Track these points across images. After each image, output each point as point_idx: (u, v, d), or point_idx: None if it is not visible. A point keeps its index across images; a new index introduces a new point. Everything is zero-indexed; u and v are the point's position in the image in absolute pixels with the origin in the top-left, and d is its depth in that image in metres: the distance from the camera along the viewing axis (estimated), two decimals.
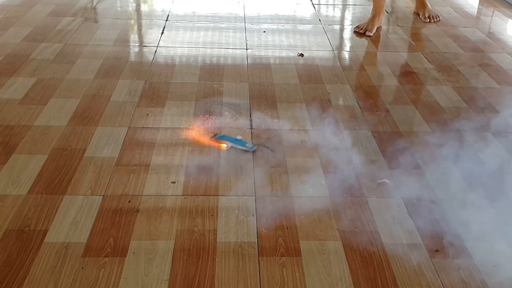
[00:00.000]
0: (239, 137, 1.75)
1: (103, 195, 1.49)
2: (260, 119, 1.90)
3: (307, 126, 1.87)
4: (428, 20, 2.96)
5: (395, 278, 1.25)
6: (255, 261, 1.28)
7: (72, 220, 1.39)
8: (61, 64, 2.28)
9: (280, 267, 1.27)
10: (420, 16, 3.02)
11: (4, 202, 1.44)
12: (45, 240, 1.32)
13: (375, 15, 2.78)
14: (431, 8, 3.03)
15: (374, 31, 2.76)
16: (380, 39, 2.72)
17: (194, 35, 2.69)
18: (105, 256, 1.28)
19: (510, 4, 3.28)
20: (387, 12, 3.06)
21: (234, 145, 1.71)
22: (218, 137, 1.75)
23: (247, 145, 1.72)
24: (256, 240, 1.35)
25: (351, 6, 3.30)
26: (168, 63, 2.36)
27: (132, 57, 2.42)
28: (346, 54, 2.56)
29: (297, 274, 1.25)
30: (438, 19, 2.99)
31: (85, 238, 1.33)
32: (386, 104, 2.05)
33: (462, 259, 1.30)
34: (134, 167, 1.61)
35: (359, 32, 2.77)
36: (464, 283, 1.24)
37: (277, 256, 1.30)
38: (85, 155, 1.66)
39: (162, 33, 2.70)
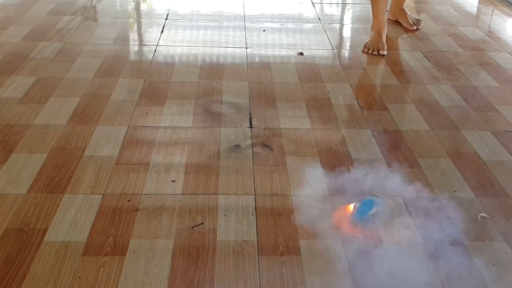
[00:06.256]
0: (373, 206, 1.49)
1: (103, 194, 1.49)
2: (260, 118, 1.90)
3: (307, 125, 1.87)
4: (415, 27, 2.76)
5: (394, 277, 1.25)
6: (254, 260, 1.28)
7: (72, 219, 1.39)
8: (60, 63, 2.28)
9: (280, 266, 1.27)
10: (404, 25, 2.78)
11: (4, 201, 1.45)
12: (44, 239, 1.32)
13: (379, 30, 2.53)
14: (410, 14, 2.79)
15: (385, 47, 2.50)
16: None
17: (194, 34, 2.69)
18: (105, 255, 1.28)
19: (509, 2, 3.28)
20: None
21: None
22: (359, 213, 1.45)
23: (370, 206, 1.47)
24: (256, 239, 1.35)
25: (350, 5, 3.29)
26: (167, 62, 2.36)
27: (132, 56, 2.41)
28: (345, 53, 2.56)
29: (297, 272, 1.25)
30: (421, 25, 2.80)
31: (85, 237, 1.33)
32: (386, 103, 2.05)
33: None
34: (134, 166, 1.61)
35: (372, 53, 2.48)
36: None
37: (277, 255, 1.30)
38: (84, 154, 1.66)
39: (162, 32, 2.70)
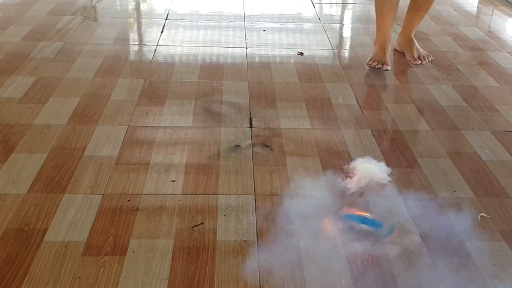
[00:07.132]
0: (367, 215, 1.42)
1: (103, 194, 1.49)
2: (260, 118, 1.90)
3: (307, 124, 1.87)
4: (419, 62, 2.38)
5: (394, 277, 1.25)
6: (254, 260, 1.28)
7: (72, 219, 1.39)
8: (60, 63, 2.28)
9: (280, 266, 1.27)
10: (407, 57, 2.42)
11: (4, 201, 1.45)
12: (44, 239, 1.32)
13: (384, 45, 2.34)
14: (419, 46, 2.45)
15: (389, 63, 2.33)
16: None
17: (194, 33, 2.69)
18: (105, 255, 1.28)
19: (509, 2, 3.28)
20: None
21: (363, 225, 1.39)
22: (345, 215, 1.42)
23: (379, 224, 1.39)
24: (256, 239, 1.35)
25: (350, 4, 3.29)
26: (167, 62, 2.36)
27: (132, 56, 2.41)
28: (345, 53, 2.56)
29: (297, 272, 1.25)
30: (430, 59, 2.42)
31: (85, 237, 1.33)
32: (386, 102, 2.05)
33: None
34: (134, 165, 1.61)
35: (376, 67, 2.33)
36: None
37: (277, 255, 1.30)
38: (84, 154, 1.66)
39: (162, 31, 2.70)
